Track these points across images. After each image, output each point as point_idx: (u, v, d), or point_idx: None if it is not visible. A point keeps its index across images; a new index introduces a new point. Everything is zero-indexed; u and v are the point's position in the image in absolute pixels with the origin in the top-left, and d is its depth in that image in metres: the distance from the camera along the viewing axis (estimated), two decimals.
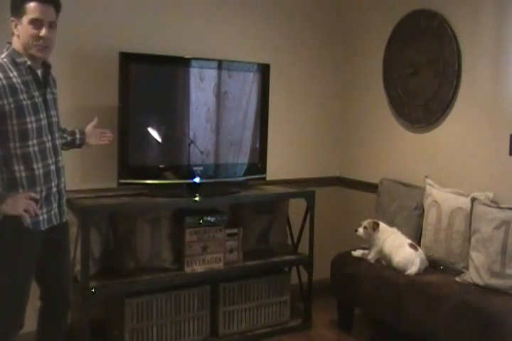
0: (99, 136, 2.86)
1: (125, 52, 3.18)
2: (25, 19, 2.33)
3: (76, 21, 3.24)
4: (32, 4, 2.32)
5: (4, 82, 2.26)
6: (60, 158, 2.50)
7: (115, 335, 3.22)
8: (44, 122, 2.39)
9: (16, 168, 2.31)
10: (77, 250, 3.02)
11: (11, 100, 2.27)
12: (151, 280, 3.20)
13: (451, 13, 3.49)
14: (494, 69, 3.30)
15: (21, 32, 2.34)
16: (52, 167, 2.43)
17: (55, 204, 2.46)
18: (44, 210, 2.40)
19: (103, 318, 3.33)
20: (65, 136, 2.71)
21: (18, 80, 2.30)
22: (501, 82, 3.27)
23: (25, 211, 2.29)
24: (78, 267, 3.01)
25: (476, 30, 3.38)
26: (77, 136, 2.77)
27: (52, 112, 2.46)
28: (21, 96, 2.30)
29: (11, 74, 2.29)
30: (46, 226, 2.42)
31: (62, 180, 2.52)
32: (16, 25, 2.36)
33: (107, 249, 3.23)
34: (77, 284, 3.01)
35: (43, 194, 2.40)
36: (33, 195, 2.34)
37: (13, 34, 2.39)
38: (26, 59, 2.35)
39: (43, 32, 2.34)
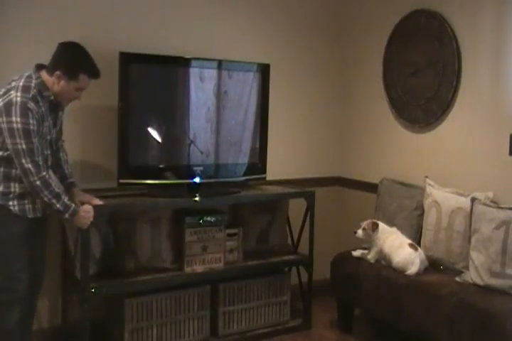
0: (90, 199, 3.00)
1: (125, 52, 3.18)
2: (73, 84, 2.68)
3: (76, 21, 3.25)
4: (85, 77, 2.69)
5: (38, 113, 2.61)
6: (49, 163, 2.80)
7: (115, 335, 3.23)
8: (47, 140, 2.76)
9: (14, 165, 2.64)
10: (77, 250, 3.01)
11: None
12: (151, 280, 3.20)
13: (451, 13, 3.49)
14: (494, 69, 3.31)
15: (62, 87, 2.67)
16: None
17: (39, 200, 2.70)
18: (29, 200, 2.70)
19: (103, 318, 3.33)
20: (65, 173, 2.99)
21: (43, 109, 2.65)
22: (501, 82, 3.27)
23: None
24: (78, 267, 3.00)
25: (476, 30, 3.38)
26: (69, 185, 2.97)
27: (54, 130, 2.79)
28: (45, 123, 2.67)
29: (40, 105, 2.63)
30: (32, 216, 2.71)
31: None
32: (58, 78, 2.64)
33: (107, 249, 3.22)
34: (77, 284, 3.02)
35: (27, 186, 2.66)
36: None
37: (48, 73, 2.66)
38: (51, 94, 2.67)
39: (80, 96, 2.76)
